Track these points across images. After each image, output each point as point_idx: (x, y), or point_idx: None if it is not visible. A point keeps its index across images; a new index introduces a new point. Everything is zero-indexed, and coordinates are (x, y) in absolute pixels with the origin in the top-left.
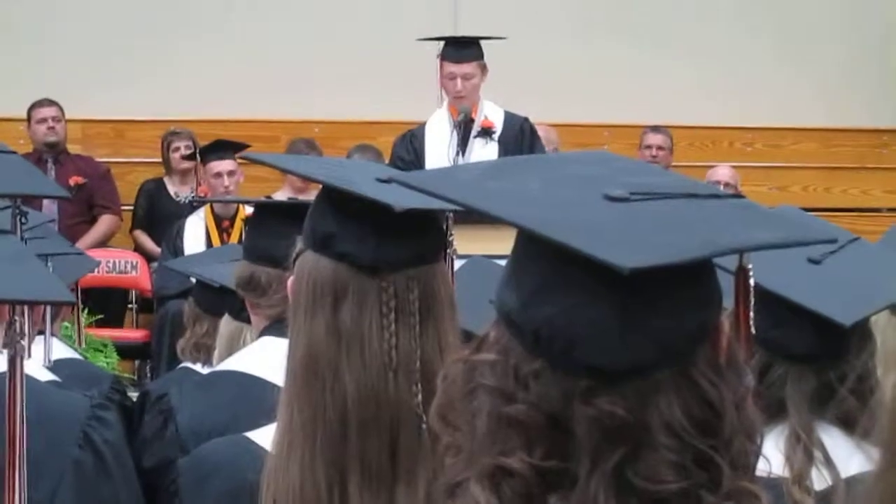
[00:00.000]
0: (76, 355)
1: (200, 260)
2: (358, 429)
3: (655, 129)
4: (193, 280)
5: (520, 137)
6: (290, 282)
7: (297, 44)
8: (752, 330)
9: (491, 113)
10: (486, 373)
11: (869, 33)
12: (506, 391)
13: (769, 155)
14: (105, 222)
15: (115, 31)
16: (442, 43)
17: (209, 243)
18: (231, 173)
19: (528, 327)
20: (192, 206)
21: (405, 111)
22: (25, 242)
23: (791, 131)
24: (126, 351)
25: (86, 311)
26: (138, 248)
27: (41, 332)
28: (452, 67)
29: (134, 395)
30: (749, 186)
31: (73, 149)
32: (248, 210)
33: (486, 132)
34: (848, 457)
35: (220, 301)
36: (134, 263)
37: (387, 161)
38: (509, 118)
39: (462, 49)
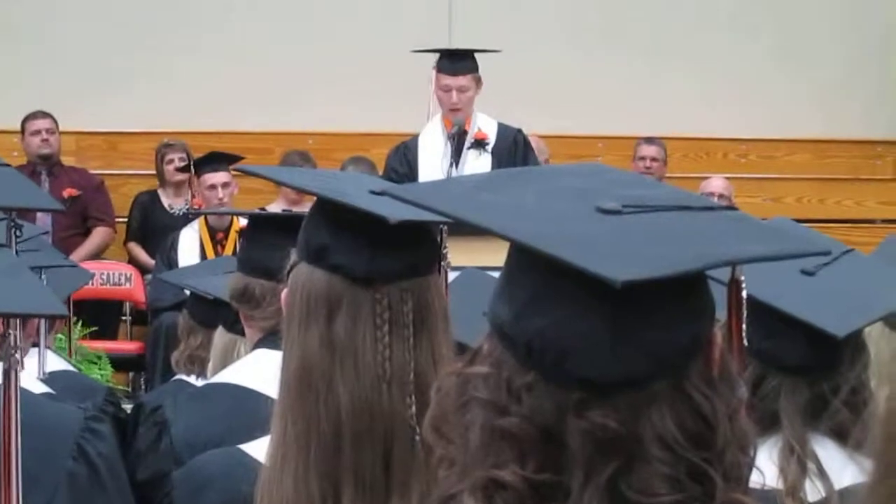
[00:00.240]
0: (70, 367)
1: (194, 272)
2: (352, 441)
3: (649, 140)
4: (188, 292)
5: (513, 149)
6: (284, 294)
7: (292, 56)
8: (745, 342)
9: (484, 125)
10: (479, 385)
11: (864, 44)
12: (499, 404)
13: (763, 166)
14: (99, 234)
15: (108, 44)
16: (437, 55)
17: (203, 255)
18: (225, 185)
19: (521, 339)
20: (186, 218)
21: (399, 123)
22: (18, 255)
23: (785, 142)
24: (120, 363)
25: (80, 323)
26: (132, 261)
27: (35, 345)
28: (448, 80)
29: (128, 407)
30: (743, 198)
31: (66, 161)
32: (243, 222)
33: (479, 144)
34: (841, 468)
35: (214, 313)
36: (128, 275)
37: (381, 173)
38: (503, 130)
39: (457, 62)
